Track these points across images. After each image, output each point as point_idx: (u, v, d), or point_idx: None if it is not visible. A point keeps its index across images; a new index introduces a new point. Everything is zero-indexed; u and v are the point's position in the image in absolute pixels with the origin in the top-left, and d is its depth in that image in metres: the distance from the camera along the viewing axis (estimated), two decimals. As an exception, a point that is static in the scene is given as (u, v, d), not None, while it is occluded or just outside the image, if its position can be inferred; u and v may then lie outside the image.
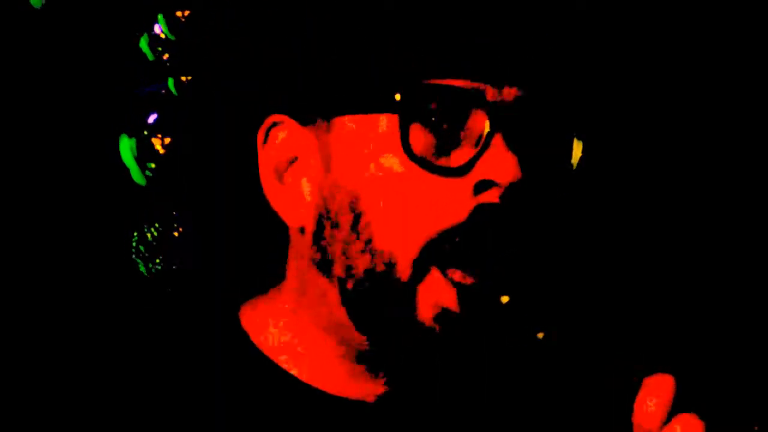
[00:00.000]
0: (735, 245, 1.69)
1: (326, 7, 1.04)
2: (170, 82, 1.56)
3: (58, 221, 1.51)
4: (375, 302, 1.00)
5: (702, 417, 0.89)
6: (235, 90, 1.54)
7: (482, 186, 0.98)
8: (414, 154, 0.96)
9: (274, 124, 1.04)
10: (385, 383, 1.06)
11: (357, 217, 0.99)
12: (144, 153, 1.56)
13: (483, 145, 0.97)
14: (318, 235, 1.02)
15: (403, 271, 0.98)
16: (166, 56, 1.56)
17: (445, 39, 0.98)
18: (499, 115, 0.97)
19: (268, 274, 1.15)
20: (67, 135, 1.51)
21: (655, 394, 0.89)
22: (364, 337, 1.02)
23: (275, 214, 1.09)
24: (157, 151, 1.57)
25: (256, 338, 1.07)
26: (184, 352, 1.08)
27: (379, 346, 1.02)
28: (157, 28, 1.56)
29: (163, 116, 1.56)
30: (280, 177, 1.04)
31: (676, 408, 0.89)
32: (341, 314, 1.02)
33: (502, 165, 0.97)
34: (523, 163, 0.97)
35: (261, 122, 1.06)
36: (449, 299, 0.98)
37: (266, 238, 1.30)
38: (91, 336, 1.12)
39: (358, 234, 0.99)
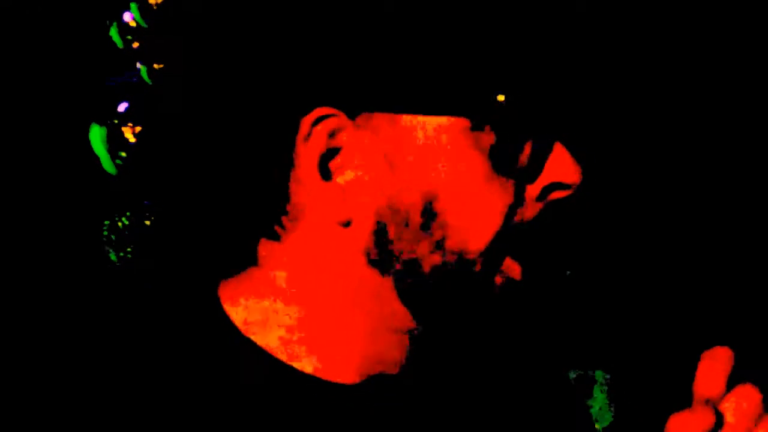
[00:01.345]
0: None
1: None
2: (143, 70, 1.56)
3: (28, 210, 1.51)
4: (447, 292, 1.03)
5: (761, 388, 0.94)
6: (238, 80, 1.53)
7: (550, 188, 1.04)
8: (500, 161, 0.99)
9: (321, 118, 1.03)
10: (400, 366, 1.08)
11: (431, 217, 1.01)
12: (115, 142, 1.55)
13: (547, 150, 1.01)
14: (382, 231, 1.02)
15: (476, 266, 1.01)
16: (136, 44, 1.56)
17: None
18: (561, 120, 1.02)
19: (243, 256, 1.13)
20: (36, 124, 1.51)
21: (715, 365, 0.94)
22: (417, 325, 1.06)
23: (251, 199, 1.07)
24: (128, 139, 1.56)
25: (242, 324, 1.07)
26: (164, 336, 1.06)
27: (440, 331, 1.07)
28: (126, 16, 1.56)
29: (134, 105, 1.56)
30: (326, 172, 1.04)
31: (735, 380, 0.94)
32: (393, 307, 1.04)
33: (564, 169, 1.02)
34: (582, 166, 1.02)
35: (293, 116, 1.05)
36: (515, 272, 1.02)
37: (239, 223, 1.29)
38: (64, 323, 1.11)
39: (430, 233, 1.01)
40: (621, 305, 1.03)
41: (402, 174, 1.02)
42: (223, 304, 1.06)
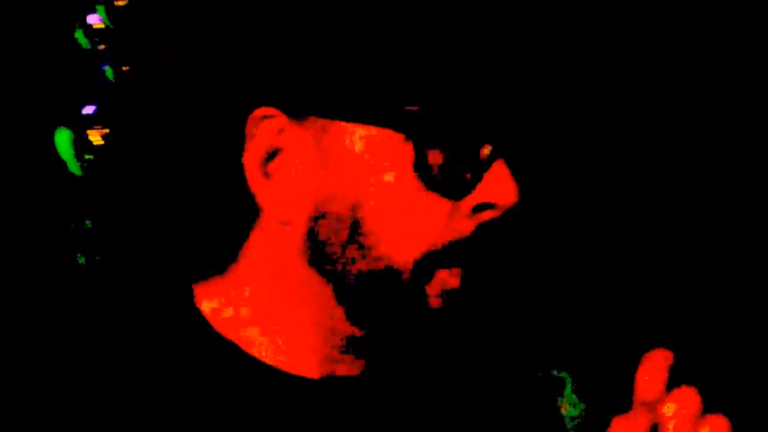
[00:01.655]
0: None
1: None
2: (109, 72, 1.56)
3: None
4: (376, 300, 1.02)
5: (700, 390, 0.92)
6: (203, 81, 1.53)
7: (481, 207, 1.01)
8: (428, 175, 0.98)
9: (265, 117, 1.02)
10: (359, 368, 1.08)
11: (357, 224, 1.00)
12: (81, 145, 1.55)
13: (484, 168, 1.00)
14: (313, 233, 1.03)
15: (404, 276, 1.01)
16: (102, 47, 1.56)
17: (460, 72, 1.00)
18: (502, 139, 1.00)
19: (215, 258, 1.14)
20: (2, 127, 1.50)
21: (654, 368, 0.93)
22: (356, 328, 1.05)
23: (226, 202, 1.08)
24: (95, 142, 1.56)
25: (216, 323, 1.07)
26: (138, 338, 1.06)
27: (374, 337, 1.05)
28: (92, 18, 1.55)
29: (101, 107, 1.56)
30: (266, 170, 1.03)
31: (675, 381, 0.93)
32: (328, 308, 1.04)
33: (500, 189, 1.00)
34: (521, 186, 1.01)
35: (243, 113, 1.04)
36: (454, 281, 1.01)
37: (209, 225, 1.29)
38: (35, 329, 1.10)
39: (358, 239, 1.01)
40: (570, 310, 1.04)
41: (332, 179, 1.02)
42: (197, 303, 1.07)
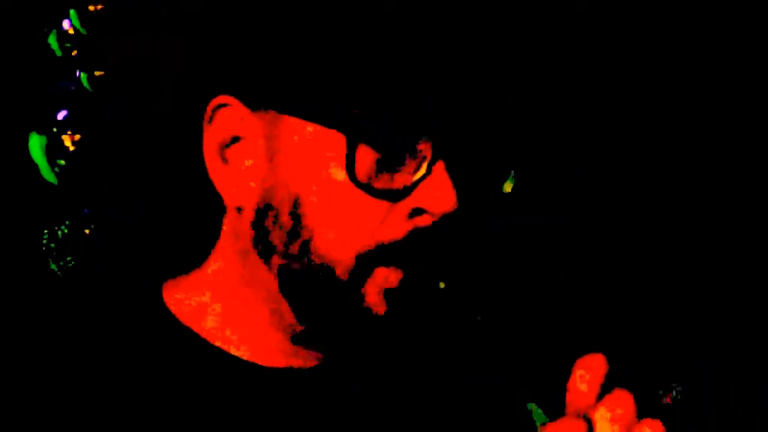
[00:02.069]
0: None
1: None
2: (83, 77, 1.56)
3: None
4: (314, 295, 1.03)
5: (633, 392, 0.91)
6: (169, 75, 1.53)
7: (418, 211, 1.01)
8: (355, 177, 0.99)
9: (222, 105, 1.04)
10: (318, 359, 1.08)
11: (297, 218, 1.01)
12: (54, 150, 1.54)
13: (424, 173, 0.99)
14: (259, 223, 1.04)
15: (342, 274, 1.01)
16: (74, 52, 1.56)
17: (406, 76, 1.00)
18: (443, 143, 1.00)
19: (187, 257, 1.14)
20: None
21: (586, 373, 0.91)
22: (300, 323, 1.05)
23: (195, 198, 1.09)
24: (67, 148, 1.55)
25: (182, 315, 1.08)
26: (108, 339, 1.07)
27: (317, 332, 1.05)
28: (65, 24, 1.55)
29: (73, 113, 1.55)
30: (223, 156, 1.05)
31: (608, 385, 0.91)
32: (278, 299, 1.04)
33: (438, 196, 0.99)
34: (461, 192, 1.00)
35: (202, 103, 1.06)
36: (394, 279, 1.01)
37: (182, 225, 1.30)
38: (9, 334, 1.10)
39: (298, 233, 1.01)
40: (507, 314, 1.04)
41: (277, 171, 1.03)
42: (165, 300, 1.08)
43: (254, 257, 1.05)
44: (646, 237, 1.68)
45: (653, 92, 1.64)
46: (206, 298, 1.09)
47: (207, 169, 1.05)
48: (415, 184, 1.00)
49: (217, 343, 1.07)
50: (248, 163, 1.04)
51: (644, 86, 1.64)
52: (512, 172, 1.06)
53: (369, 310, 1.02)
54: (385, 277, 1.01)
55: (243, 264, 1.07)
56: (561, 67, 1.07)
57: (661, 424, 0.90)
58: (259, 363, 1.07)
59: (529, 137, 1.09)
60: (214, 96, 1.05)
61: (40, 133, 1.54)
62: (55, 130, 1.55)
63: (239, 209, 1.06)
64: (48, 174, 1.55)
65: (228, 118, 1.04)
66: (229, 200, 1.05)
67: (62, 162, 1.55)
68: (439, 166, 1.00)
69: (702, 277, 1.66)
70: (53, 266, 1.55)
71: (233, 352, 1.07)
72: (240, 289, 1.08)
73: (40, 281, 1.57)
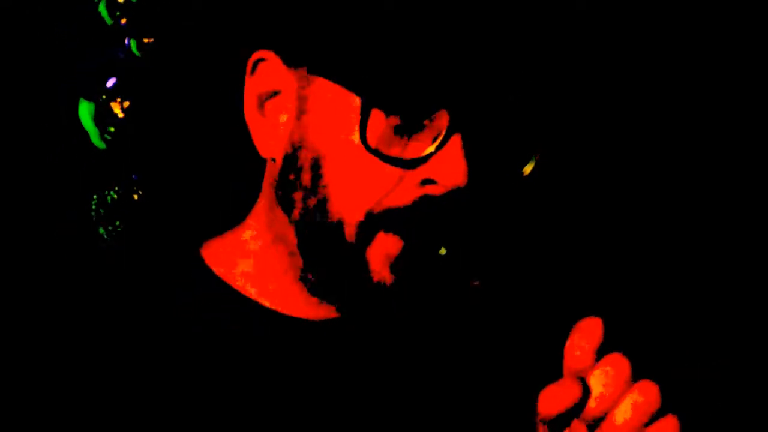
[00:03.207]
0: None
1: None
2: (132, 44, 1.58)
3: (17, 185, 1.52)
4: (327, 254, 1.06)
5: (629, 356, 0.92)
6: (214, 35, 1.56)
7: (428, 181, 1.03)
8: (368, 144, 1.01)
9: (263, 59, 1.09)
10: (336, 311, 1.12)
11: (317, 176, 1.05)
12: (103, 117, 1.57)
13: (438, 144, 1.01)
14: (284, 177, 1.08)
15: (350, 234, 1.04)
16: (124, 20, 1.58)
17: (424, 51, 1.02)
18: (460, 116, 1.01)
19: (230, 216, 1.18)
20: (26, 100, 1.53)
21: (583, 337, 0.92)
22: (315, 278, 1.09)
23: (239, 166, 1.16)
24: (116, 114, 1.58)
25: (219, 270, 1.12)
26: (153, 295, 1.12)
27: (326, 287, 1.09)
28: (115, -8, 1.57)
29: (122, 80, 1.58)
30: (261, 107, 1.09)
31: (605, 350, 0.92)
32: (295, 252, 1.08)
33: (449, 169, 1.02)
34: (473, 167, 1.02)
35: (244, 57, 1.11)
36: (396, 249, 1.04)
37: (227, 184, 1.32)
38: (56, 298, 1.13)
39: (316, 190, 1.05)
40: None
41: (303, 130, 1.07)
42: (205, 256, 1.12)
43: (279, 211, 1.09)
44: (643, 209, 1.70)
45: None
46: (240, 251, 1.13)
47: (246, 119, 1.10)
48: (428, 155, 1.02)
49: (248, 294, 1.12)
50: (282, 118, 1.09)
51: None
52: (534, 156, 1.08)
53: (372, 276, 1.05)
54: (387, 245, 1.04)
55: (270, 217, 1.11)
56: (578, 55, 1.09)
57: (655, 385, 0.90)
58: (283, 312, 1.11)
59: (551, 123, 1.10)
60: (254, 51, 1.10)
61: (89, 100, 1.56)
62: (104, 97, 1.57)
63: (273, 160, 1.10)
64: (97, 140, 1.57)
65: (267, 71, 1.09)
66: (263, 151, 1.09)
67: (111, 128, 1.57)
68: (455, 140, 1.02)
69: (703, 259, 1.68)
70: (102, 231, 1.58)
71: (261, 301, 1.11)
72: (266, 242, 1.12)
73: (90, 245, 1.59)
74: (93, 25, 1.55)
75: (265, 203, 1.13)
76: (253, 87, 1.10)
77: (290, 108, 1.08)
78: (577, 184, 1.62)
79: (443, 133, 1.02)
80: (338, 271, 1.07)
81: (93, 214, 1.58)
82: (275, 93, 1.10)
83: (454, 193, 1.03)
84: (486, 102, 1.03)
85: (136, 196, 1.59)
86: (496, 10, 1.04)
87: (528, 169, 1.08)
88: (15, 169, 1.55)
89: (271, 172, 1.12)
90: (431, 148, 1.02)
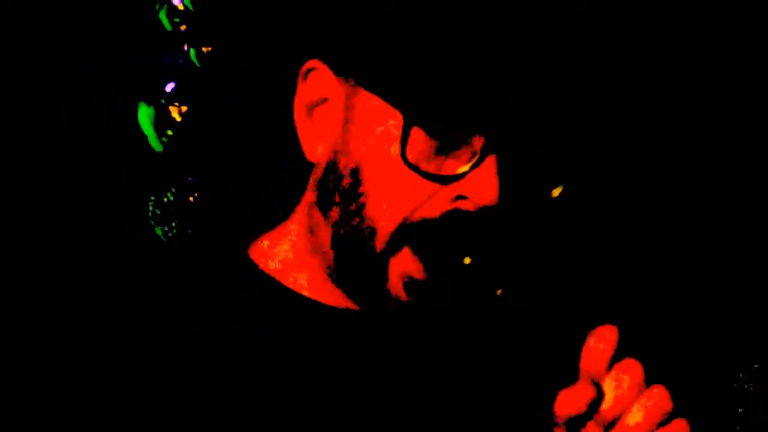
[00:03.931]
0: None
1: None
2: (192, 53, 1.63)
3: (78, 185, 1.57)
4: (355, 258, 1.12)
5: (642, 362, 0.97)
6: (267, 45, 1.60)
7: (461, 197, 1.08)
8: (407, 160, 1.07)
9: (314, 68, 1.15)
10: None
11: (356, 183, 1.11)
12: (161, 121, 1.62)
13: (473, 164, 1.07)
14: (325, 179, 1.14)
15: (380, 242, 1.10)
16: (183, 27, 1.63)
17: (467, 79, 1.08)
18: (496, 139, 1.07)
19: (276, 215, 1.24)
20: (86, 104, 1.57)
21: (600, 342, 0.97)
22: (341, 276, 1.15)
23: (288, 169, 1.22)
24: (174, 119, 1.62)
25: (263, 265, 1.19)
26: (202, 291, 1.17)
27: (351, 289, 1.15)
28: (175, 0, 1.62)
29: (181, 85, 1.62)
30: (310, 113, 1.15)
31: (619, 355, 0.98)
32: (328, 251, 1.14)
33: (482, 188, 1.07)
34: (505, 188, 1.08)
35: (296, 67, 1.17)
36: (416, 270, 1.10)
37: (275, 188, 1.37)
38: (112, 292, 1.18)
39: (354, 196, 1.11)
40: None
41: (347, 138, 1.12)
42: (251, 252, 1.19)
43: (317, 211, 1.15)
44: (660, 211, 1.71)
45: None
46: (284, 246, 1.19)
47: (295, 123, 1.16)
48: (463, 174, 1.07)
49: (289, 285, 1.17)
50: (329, 124, 1.14)
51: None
52: (562, 183, 1.13)
53: (390, 289, 1.11)
54: (409, 263, 1.10)
55: (308, 217, 1.17)
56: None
57: (666, 390, 0.95)
58: (320, 301, 1.17)
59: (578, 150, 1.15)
60: (307, 60, 1.15)
61: (148, 104, 1.61)
62: (163, 101, 1.61)
63: (314, 165, 1.16)
64: (155, 143, 1.62)
65: (318, 79, 1.14)
66: (308, 154, 1.15)
67: (169, 132, 1.62)
68: (490, 160, 1.07)
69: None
70: (158, 231, 1.63)
71: (302, 292, 1.17)
72: (305, 238, 1.17)
73: (147, 245, 1.64)
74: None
75: (306, 204, 1.19)
76: (303, 94, 1.15)
77: (337, 116, 1.14)
78: (593, 193, 1.64)
79: (479, 154, 1.07)
80: (361, 275, 1.13)
81: (150, 215, 1.63)
82: (324, 100, 1.15)
83: (484, 210, 1.08)
84: (521, 128, 1.08)
85: (192, 198, 1.64)
86: (536, 43, 1.10)
87: (556, 192, 1.13)
88: (76, 170, 1.60)
89: (315, 175, 1.17)
90: (466, 168, 1.07)
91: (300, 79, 1.16)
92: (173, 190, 1.63)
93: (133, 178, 1.63)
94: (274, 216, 1.24)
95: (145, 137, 1.62)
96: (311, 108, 1.15)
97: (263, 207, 1.55)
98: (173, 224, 1.64)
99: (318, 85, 1.15)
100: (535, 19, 1.10)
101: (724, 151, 1.69)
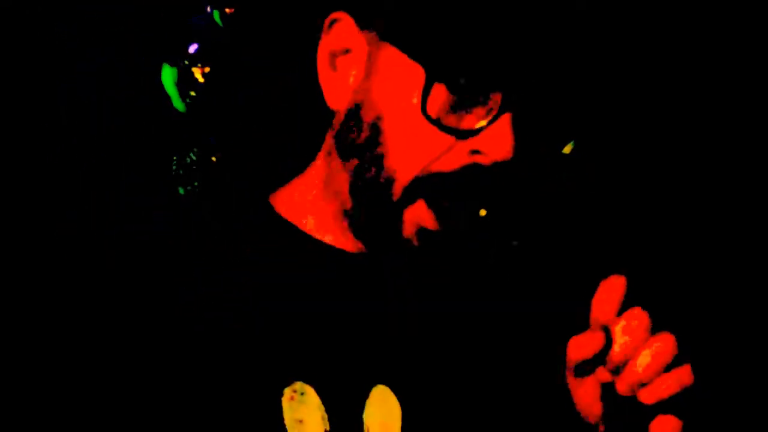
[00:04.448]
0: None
1: None
2: (216, 14, 1.66)
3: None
4: (373, 204, 1.15)
5: (649, 310, 1.03)
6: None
7: (477, 152, 1.12)
8: (426, 111, 1.11)
9: (338, 20, 1.18)
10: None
11: (376, 134, 1.14)
12: (185, 82, 1.65)
13: (490, 120, 1.10)
14: (345, 127, 1.17)
15: (396, 191, 1.13)
16: (206, -10, 1.66)
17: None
18: (513, 98, 1.11)
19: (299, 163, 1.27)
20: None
21: (608, 292, 1.04)
22: (356, 220, 1.17)
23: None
24: (197, 79, 1.66)
25: (286, 213, 1.22)
26: (224, 242, 1.21)
27: (366, 233, 1.18)
28: (197, -36, 1.66)
29: (203, 47, 1.66)
30: (333, 62, 1.19)
31: (627, 304, 1.04)
32: (345, 197, 1.17)
33: (497, 143, 1.11)
34: (520, 145, 1.11)
35: (321, 17, 1.20)
36: (428, 221, 1.13)
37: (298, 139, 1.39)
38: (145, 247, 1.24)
39: (374, 145, 1.14)
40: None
41: (369, 88, 1.15)
42: (273, 201, 1.23)
43: (336, 157, 1.18)
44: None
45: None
46: (303, 193, 1.22)
47: (318, 72, 1.19)
48: (480, 129, 1.11)
49: (304, 228, 1.21)
50: (351, 74, 1.17)
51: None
52: (573, 140, 1.17)
53: (403, 238, 1.14)
54: (422, 214, 1.13)
55: (327, 161, 1.20)
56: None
57: (672, 336, 1.02)
58: (335, 246, 1.19)
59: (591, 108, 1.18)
60: (332, 11, 1.19)
61: (172, 65, 1.65)
62: (186, 62, 1.65)
63: (336, 111, 1.18)
64: (178, 103, 1.65)
65: (342, 30, 1.18)
66: (331, 102, 1.18)
67: (192, 93, 1.65)
68: (505, 117, 1.11)
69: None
70: (181, 190, 1.65)
71: (317, 236, 1.20)
72: (323, 183, 1.21)
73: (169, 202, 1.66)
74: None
75: (325, 150, 1.21)
76: (327, 44, 1.18)
77: (359, 66, 1.17)
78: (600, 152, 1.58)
79: (495, 110, 1.10)
80: (377, 222, 1.15)
81: (173, 173, 1.66)
82: (347, 51, 1.18)
83: (498, 165, 1.11)
84: (536, 88, 1.12)
85: (214, 158, 1.66)
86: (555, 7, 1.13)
87: (568, 149, 1.17)
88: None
89: (336, 123, 1.20)
90: (483, 123, 1.11)
91: (324, 29, 1.19)
92: (195, 149, 1.65)
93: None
94: (296, 163, 1.25)
95: (168, 97, 1.66)
96: (334, 57, 1.18)
97: (285, 156, 1.54)
98: (195, 183, 1.66)
99: (342, 35, 1.18)
100: None
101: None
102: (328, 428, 1.12)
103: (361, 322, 1.18)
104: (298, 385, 1.12)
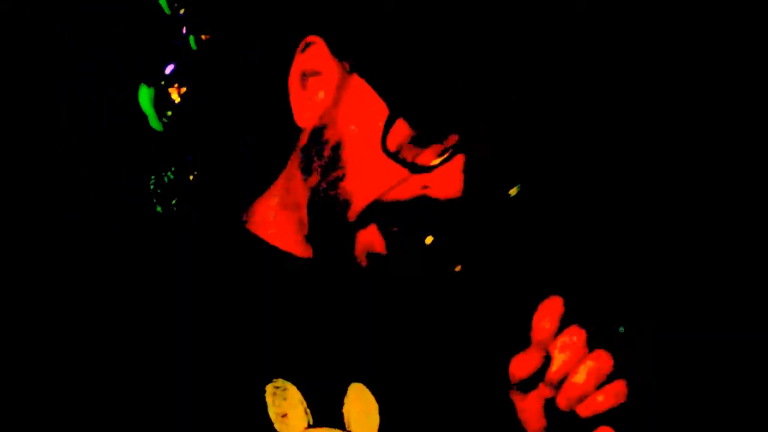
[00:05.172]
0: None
1: None
2: (191, 40, 1.68)
3: (78, 185, 1.64)
4: (327, 222, 1.21)
5: (585, 328, 1.10)
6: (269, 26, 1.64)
7: (428, 186, 1.18)
8: (385, 145, 1.17)
9: (313, 43, 1.24)
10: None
11: (337, 157, 1.20)
12: (161, 101, 1.67)
13: (443, 159, 1.16)
14: (308, 146, 1.23)
15: (352, 215, 1.19)
16: (182, 11, 1.69)
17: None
18: (468, 141, 1.17)
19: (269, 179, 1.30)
20: (86, 104, 1.65)
21: (547, 313, 1.10)
22: (311, 233, 1.23)
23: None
24: (173, 99, 1.68)
25: (252, 225, 1.27)
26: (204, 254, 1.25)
27: (319, 245, 1.23)
28: (173, -15, 1.68)
29: (180, 67, 1.68)
30: (303, 82, 1.24)
31: (565, 323, 1.10)
32: (302, 212, 1.23)
33: (447, 182, 1.17)
34: (469, 184, 1.17)
35: (295, 41, 1.26)
36: (379, 245, 1.19)
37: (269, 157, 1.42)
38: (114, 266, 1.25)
39: (334, 167, 1.20)
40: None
41: (335, 113, 1.21)
42: (244, 215, 1.27)
43: (299, 172, 1.23)
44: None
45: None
46: (268, 206, 1.27)
47: (289, 90, 1.24)
48: (434, 166, 1.17)
49: (268, 240, 1.25)
50: (320, 95, 1.22)
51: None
52: (520, 184, 1.21)
53: (353, 258, 1.20)
54: (374, 238, 1.19)
55: (292, 175, 1.25)
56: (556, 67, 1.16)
57: (608, 353, 1.08)
58: (293, 252, 1.24)
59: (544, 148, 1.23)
60: (307, 35, 1.24)
61: (149, 85, 1.67)
62: (162, 83, 1.67)
63: (303, 129, 1.23)
64: (155, 123, 1.68)
65: (315, 53, 1.23)
66: (299, 120, 1.23)
67: (169, 112, 1.67)
68: (459, 158, 1.17)
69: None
70: (159, 209, 1.67)
71: (281, 246, 1.25)
72: (286, 195, 1.26)
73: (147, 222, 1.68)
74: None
75: (290, 165, 1.26)
76: (299, 63, 1.24)
77: (328, 89, 1.22)
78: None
79: (450, 150, 1.16)
80: (330, 240, 1.21)
81: (151, 192, 1.68)
82: (317, 73, 1.23)
83: (448, 201, 1.18)
84: (491, 132, 1.18)
85: (191, 177, 1.68)
86: (517, 49, 1.19)
87: (513, 191, 1.21)
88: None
89: (301, 140, 1.25)
90: (437, 161, 1.17)
91: (299, 50, 1.24)
92: (173, 168, 1.68)
93: (133, 178, 1.68)
94: (266, 178, 1.28)
95: (145, 117, 1.68)
96: (305, 77, 1.23)
97: (258, 173, 1.55)
98: (173, 202, 1.68)
99: (314, 58, 1.23)
100: (517, 27, 1.19)
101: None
102: (311, 422, 1.16)
103: (332, 323, 1.22)
104: (280, 382, 1.16)
